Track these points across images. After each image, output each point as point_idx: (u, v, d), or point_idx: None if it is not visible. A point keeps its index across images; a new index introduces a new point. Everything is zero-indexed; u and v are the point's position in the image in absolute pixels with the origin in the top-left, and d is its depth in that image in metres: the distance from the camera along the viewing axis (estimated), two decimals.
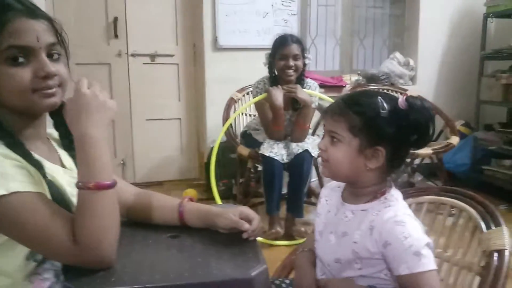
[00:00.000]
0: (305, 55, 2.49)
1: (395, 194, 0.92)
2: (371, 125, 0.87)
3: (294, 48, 2.42)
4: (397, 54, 3.79)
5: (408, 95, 0.89)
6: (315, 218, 1.04)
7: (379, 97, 0.88)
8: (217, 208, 0.99)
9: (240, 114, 3.07)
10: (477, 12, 3.57)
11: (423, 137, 0.88)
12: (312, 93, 2.54)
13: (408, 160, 3.06)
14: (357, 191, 0.94)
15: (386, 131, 0.87)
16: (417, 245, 0.82)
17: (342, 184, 1.00)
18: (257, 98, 2.51)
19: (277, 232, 2.42)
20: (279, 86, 2.44)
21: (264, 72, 2.68)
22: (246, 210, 0.96)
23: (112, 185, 0.81)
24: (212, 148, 3.35)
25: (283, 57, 2.43)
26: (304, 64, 2.50)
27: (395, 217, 0.85)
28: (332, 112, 0.92)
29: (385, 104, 0.87)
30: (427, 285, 0.81)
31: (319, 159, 2.80)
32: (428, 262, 0.82)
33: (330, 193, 1.03)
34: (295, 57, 2.43)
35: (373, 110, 0.87)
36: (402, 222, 0.84)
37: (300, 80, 2.54)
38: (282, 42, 2.44)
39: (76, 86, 0.84)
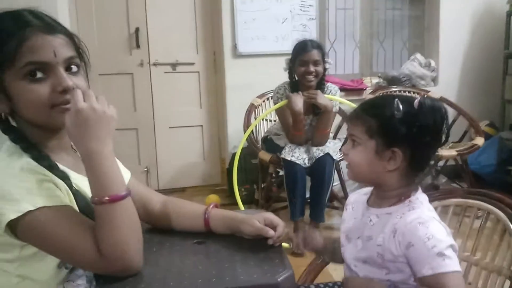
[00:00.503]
0: (325, 60, 2.49)
1: (420, 197, 0.92)
2: (385, 126, 0.88)
3: (315, 54, 2.43)
4: (418, 55, 3.75)
5: (425, 96, 0.90)
6: (339, 224, 1.05)
7: (396, 99, 0.88)
8: (242, 214, 0.99)
9: (261, 119, 3.08)
10: (499, 10, 3.51)
11: (435, 137, 0.89)
12: (332, 98, 2.53)
13: (432, 162, 3.01)
14: (383, 194, 0.95)
15: (399, 132, 0.87)
16: (440, 246, 0.81)
17: (369, 191, 1.00)
18: (278, 105, 2.52)
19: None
20: (300, 92, 2.45)
21: (283, 77, 2.69)
22: (270, 216, 0.97)
23: (126, 196, 0.82)
24: (234, 154, 3.39)
25: (304, 63, 2.44)
26: (325, 69, 2.50)
27: (418, 219, 0.85)
28: (351, 116, 0.96)
29: (400, 106, 0.87)
30: (451, 286, 0.80)
31: (342, 163, 2.81)
32: (452, 263, 0.81)
33: (357, 199, 1.03)
34: (316, 63, 2.43)
35: (387, 112, 0.88)
36: (425, 223, 0.84)
37: (321, 85, 2.54)
38: (302, 48, 2.45)
39: (71, 102, 0.83)
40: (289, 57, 2.56)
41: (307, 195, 2.57)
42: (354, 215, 1.00)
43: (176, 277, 0.79)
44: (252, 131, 2.97)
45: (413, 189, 0.93)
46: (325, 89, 2.57)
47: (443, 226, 0.87)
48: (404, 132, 0.87)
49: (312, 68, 2.42)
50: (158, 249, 0.93)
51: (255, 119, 3.09)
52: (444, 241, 0.82)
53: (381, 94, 3.05)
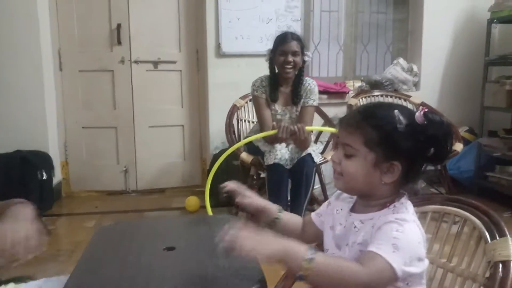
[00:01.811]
0: (305, 52, 2.54)
1: (405, 203, 0.90)
2: (388, 139, 0.85)
3: (294, 45, 2.48)
4: (401, 60, 3.77)
5: (426, 110, 0.88)
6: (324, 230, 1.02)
7: (396, 111, 0.87)
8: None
9: (243, 120, 3.06)
10: (481, 18, 3.56)
11: (441, 152, 0.87)
12: (313, 128, 2.64)
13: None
14: (368, 203, 0.93)
15: (403, 146, 0.85)
16: (402, 243, 0.79)
17: (354, 197, 0.98)
18: (265, 134, 2.45)
19: None
20: (289, 127, 2.38)
21: None
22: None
23: None
24: (215, 155, 3.36)
25: (283, 53, 2.49)
26: (304, 61, 2.54)
27: (397, 216, 0.84)
28: (346, 124, 0.90)
29: (401, 118, 0.85)
30: (376, 272, 0.78)
31: (324, 166, 2.80)
32: (397, 260, 0.78)
33: (341, 204, 1.01)
34: (294, 54, 2.48)
35: (390, 124, 0.85)
36: (402, 221, 0.83)
37: (300, 77, 2.58)
38: (282, 39, 2.51)
39: None
40: (271, 47, 2.61)
41: (289, 197, 2.56)
42: (340, 220, 0.98)
43: (142, 286, 0.76)
44: (234, 132, 2.94)
45: (400, 196, 0.92)
46: (303, 82, 2.60)
47: (422, 233, 0.86)
48: (408, 146, 0.85)
49: (290, 58, 2.47)
50: (126, 254, 0.90)
51: (237, 120, 3.06)
52: (410, 247, 0.80)
53: (376, 101, 3.06)
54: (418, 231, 0.84)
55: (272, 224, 1.09)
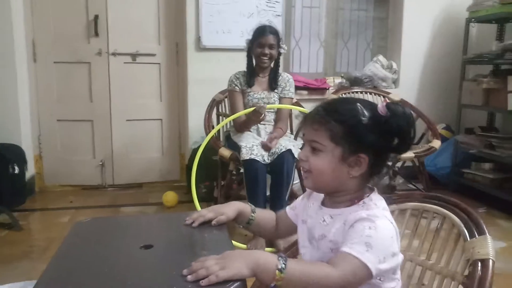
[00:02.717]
0: (281, 45, 2.67)
1: (374, 199, 0.90)
2: (353, 133, 0.86)
3: (271, 39, 2.60)
4: (380, 57, 3.80)
5: (388, 101, 0.89)
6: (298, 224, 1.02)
7: (359, 104, 0.87)
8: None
9: (223, 115, 3.03)
10: (460, 17, 3.61)
11: (405, 142, 0.88)
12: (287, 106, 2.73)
13: (390, 163, 3.06)
14: (337, 199, 0.93)
15: (368, 138, 0.86)
16: (374, 241, 0.79)
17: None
18: (244, 111, 2.57)
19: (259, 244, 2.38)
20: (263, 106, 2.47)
21: None
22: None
23: None
24: (194, 150, 3.32)
25: (260, 45, 2.60)
26: (279, 53, 2.67)
27: (368, 212, 0.84)
28: (311, 121, 0.90)
29: (365, 111, 0.86)
30: (350, 273, 0.77)
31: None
32: (371, 260, 0.78)
33: (313, 198, 1.01)
34: (271, 47, 2.61)
35: (354, 118, 0.86)
36: (374, 217, 0.83)
37: (276, 68, 2.71)
38: (260, 31, 2.62)
39: None
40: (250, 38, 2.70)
41: (268, 193, 2.54)
42: (311, 214, 0.98)
43: (118, 286, 0.73)
44: (213, 126, 2.91)
45: (366, 192, 0.92)
46: (282, 74, 2.74)
47: (394, 227, 0.85)
48: (373, 138, 0.86)
49: (267, 51, 2.60)
50: (103, 253, 0.87)
51: (217, 115, 3.03)
52: (382, 245, 0.80)
53: (339, 96, 3.07)
54: (390, 226, 0.84)
55: (247, 225, 1.09)
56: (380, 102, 0.89)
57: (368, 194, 0.91)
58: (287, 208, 1.09)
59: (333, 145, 0.87)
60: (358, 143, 0.86)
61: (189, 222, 1.00)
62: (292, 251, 1.21)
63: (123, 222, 1.08)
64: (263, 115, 2.47)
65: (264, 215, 1.12)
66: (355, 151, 0.87)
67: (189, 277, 0.74)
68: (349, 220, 0.85)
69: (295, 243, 1.23)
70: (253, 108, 2.49)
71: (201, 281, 0.73)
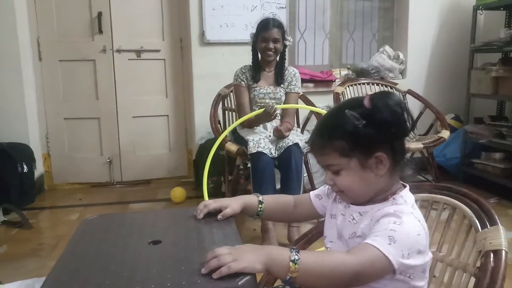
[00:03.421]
0: (285, 38, 2.63)
1: (405, 196, 0.89)
2: (357, 139, 0.85)
3: (275, 33, 2.57)
4: (387, 48, 3.76)
5: (372, 94, 0.87)
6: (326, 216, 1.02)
7: (347, 111, 0.85)
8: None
9: (229, 110, 3.02)
10: (467, 5, 3.55)
11: (403, 128, 0.87)
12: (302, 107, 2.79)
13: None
14: (372, 198, 0.92)
15: (372, 137, 0.85)
16: (399, 236, 0.78)
17: None
18: (255, 113, 2.52)
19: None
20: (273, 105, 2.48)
21: None
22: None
23: None
24: (201, 145, 3.31)
25: (264, 40, 2.58)
26: (285, 46, 2.64)
27: (395, 208, 0.83)
28: (316, 150, 0.91)
29: (355, 115, 0.84)
30: (370, 263, 0.76)
31: (313, 158, 2.77)
32: (393, 253, 0.77)
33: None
34: (275, 41, 2.58)
35: (349, 126, 0.84)
36: (400, 213, 0.82)
37: (282, 61, 2.68)
38: (264, 26, 2.59)
39: None
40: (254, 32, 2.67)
41: (278, 186, 2.53)
42: (341, 211, 0.97)
43: (126, 283, 0.72)
44: (219, 121, 2.90)
45: (399, 187, 0.91)
46: (288, 68, 2.71)
47: (422, 225, 0.84)
48: (375, 134, 0.84)
49: (271, 45, 2.57)
50: (111, 250, 0.86)
51: (223, 109, 3.02)
52: (406, 240, 0.78)
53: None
54: (417, 223, 0.83)
55: (257, 217, 1.09)
56: (365, 98, 0.87)
57: (400, 188, 0.90)
58: (312, 194, 1.08)
59: (347, 159, 0.86)
60: (367, 147, 0.85)
61: (198, 215, 1.02)
62: (304, 242, 1.20)
63: (130, 219, 1.07)
64: (274, 114, 2.45)
65: (276, 202, 1.11)
66: (369, 154, 0.86)
67: (202, 270, 0.74)
68: (376, 216, 0.84)
69: (306, 235, 1.22)
70: (263, 109, 2.46)
71: (213, 274, 0.73)
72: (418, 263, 0.82)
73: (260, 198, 1.09)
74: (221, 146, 2.70)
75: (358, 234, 0.88)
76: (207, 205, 1.03)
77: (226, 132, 2.60)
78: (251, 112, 2.60)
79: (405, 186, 0.92)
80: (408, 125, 0.87)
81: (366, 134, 0.84)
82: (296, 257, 0.76)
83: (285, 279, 0.76)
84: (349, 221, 0.92)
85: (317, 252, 0.81)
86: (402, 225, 0.80)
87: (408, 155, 3.17)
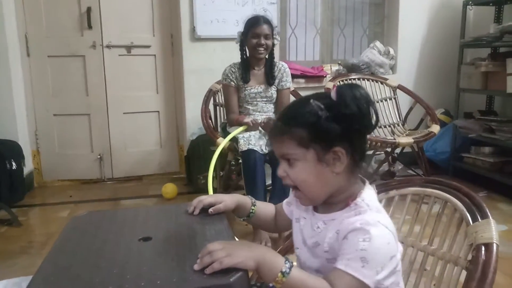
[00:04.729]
0: (274, 35, 2.61)
1: (366, 198, 0.86)
2: (317, 130, 0.82)
3: (265, 28, 2.54)
4: (377, 43, 3.77)
5: (339, 85, 0.85)
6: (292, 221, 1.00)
7: (312, 100, 0.83)
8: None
9: (220, 105, 3.00)
10: (456, 0, 3.57)
11: (367, 124, 0.84)
12: None
13: (389, 149, 3.05)
14: (331, 199, 0.89)
15: (334, 130, 0.81)
16: (370, 255, 0.76)
17: None
18: (237, 131, 2.51)
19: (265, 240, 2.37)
20: (257, 123, 2.51)
21: None
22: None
23: None
24: (192, 141, 3.30)
25: (255, 36, 2.55)
26: (273, 44, 2.62)
27: (361, 220, 0.80)
28: (274, 135, 0.87)
29: (321, 105, 0.82)
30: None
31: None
32: (368, 275, 0.76)
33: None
34: (266, 37, 2.55)
35: (311, 116, 0.82)
36: (367, 226, 0.78)
37: (271, 59, 2.66)
38: (254, 22, 2.56)
39: None
40: (242, 30, 2.64)
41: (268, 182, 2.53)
42: (304, 214, 0.95)
43: (116, 280, 0.71)
44: (210, 117, 2.89)
45: (360, 188, 0.88)
46: (277, 64, 2.69)
47: (390, 230, 0.81)
48: (338, 128, 0.81)
49: (263, 41, 2.54)
50: (101, 247, 0.85)
51: (214, 105, 3.01)
52: (378, 256, 0.77)
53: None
54: (385, 231, 0.80)
55: (248, 218, 1.08)
56: (332, 89, 0.85)
57: (360, 194, 0.86)
58: (284, 203, 1.07)
59: (304, 149, 0.83)
60: (327, 139, 0.82)
61: (191, 211, 1.00)
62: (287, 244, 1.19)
63: (120, 215, 1.06)
64: (255, 126, 2.48)
65: (265, 208, 1.10)
66: (328, 147, 0.83)
67: (195, 266, 0.73)
68: (342, 230, 0.81)
69: (290, 236, 1.22)
70: (245, 126, 2.49)
71: (205, 269, 0.72)
72: (392, 267, 0.81)
73: (253, 200, 1.08)
74: (212, 142, 2.70)
75: (324, 248, 0.85)
76: (202, 200, 1.02)
77: (226, 140, 2.53)
78: (240, 113, 2.63)
79: (364, 182, 0.89)
80: (373, 122, 0.84)
81: (327, 126, 0.81)
82: (287, 271, 0.75)
83: (268, 285, 0.76)
84: (314, 229, 0.90)
85: (307, 274, 0.79)
86: (371, 241, 0.77)
87: (399, 149, 3.21)
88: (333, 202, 0.89)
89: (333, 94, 0.82)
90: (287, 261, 0.76)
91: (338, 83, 3.22)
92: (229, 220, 1.00)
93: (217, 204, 1.02)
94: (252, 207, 1.07)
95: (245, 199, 1.08)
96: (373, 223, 0.79)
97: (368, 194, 0.87)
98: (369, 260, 0.76)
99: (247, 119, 2.52)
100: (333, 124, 0.81)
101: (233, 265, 0.73)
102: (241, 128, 2.51)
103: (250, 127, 2.49)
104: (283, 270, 0.75)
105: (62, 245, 0.88)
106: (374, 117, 0.84)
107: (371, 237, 0.77)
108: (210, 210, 1.00)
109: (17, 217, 2.73)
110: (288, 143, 0.84)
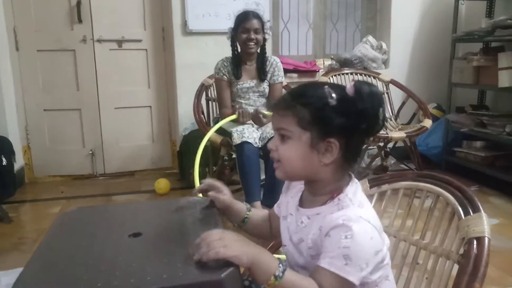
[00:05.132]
0: (265, 30, 2.61)
1: (350, 193, 0.85)
2: (320, 116, 0.82)
3: (255, 23, 2.55)
4: (370, 38, 3.76)
5: (357, 81, 0.84)
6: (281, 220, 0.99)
7: (326, 87, 0.83)
8: None
9: (212, 100, 2.99)
10: None
11: (373, 125, 0.83)
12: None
13: (382, 144, 3.05)
14: (315, 191, 0.89)
15: (336, 121, 0.81)
16: (353, 252, 0.76)
17: (302, 187, 0.94)
18: (227, 119, 2.51)
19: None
20: (247, 111, 2.52)
21: None
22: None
23: None
24: (184, 136, 3.28)
25: (245, 31, 2.55)
26: (264, 39, 2.62)
27: (343, 216, 0.79)
28: (278, 107, 0.86)
29: (332, 93, 0.81)
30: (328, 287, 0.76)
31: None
32: (352, 272, 0.76)
33: (292, 193, 0.98)
34: (256, 31, 2.55)
35: (320, 100, 0.81)
36: (349, 222, 0.78)
37: (263, 54, 2.65)
38: (244, 17, 2.57)
39: None
40: (232, 26, 2.64)
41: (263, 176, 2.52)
42: (290, 211, 0.94)
43: (105, 277, 0.70)
44: (203, 112, 2.87)
45: (346, 183, 0.87)
46: (269, 59, 2.69)
47: (372, 224, 0.80)
48: (342, 121, 0.81)
49: (253, 36, 2.54)
50: (90, 244, 0.84)
51: (206, 100, 2.99)
52: (363, 251, 0.77)
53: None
54: (368, 226, 0.79)
55: (242, 224, 1.06)
56: (348, 83, 0.84)
57: (344, 188, 0.86)
58: (275, 205, 1.06)
59: (301, 130, 0.82)
60: (326, 127, 0.82)
61: (198, 190, 1.06)
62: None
63: (110, 211, 1.05)
64: (248, 118, 2.49)
65: (259, 215, 1.09)
66: (324, 136, 0.82)
67: (195, 256, 0.73)
68: (324, 227, 0.80)
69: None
70: (235, 116, 2.49)
71: (195, 255, 0.73)
72: (377, 261, 0.80)
73: (249, 207, 1.07)
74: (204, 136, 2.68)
75: (308, 244, 0.84)
76: (208, 182, 1.04)
77: (212, 131, 2.52)
78: (232, 107, 2.62)
79: (348, 180, 0.89)
80: (380, 124, 0.84)
81: (332, 115, 0.81)
82: (280, 275, 0.75)
83: (260, 287, 0.75)
84: (298, 224, 0.89)
85: (299, 277, 0.78)
86: (353, 238, 0.76)
87: (391, 144, 3.21)
88: (317, 193, 0.88)
89: (350, 89, 0.82)
90: (280, 264, 0.76)
91: (330, 78, 3.22)
92: (220, 215, 0.99)
93: (219, 191, 1.02)
94: (247, 213, 1.06)
95: (241, 203, 1.07)
96: (355, 219, 0.78)
97: (352, 189, 0.86)
98: (352, 258, 0.76)
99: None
100: (337, 116, 0.81)
101: (227, 257, 0.72)
102: (231, 117, 2.51)
103: (239, 116, 2.48)
104: (276, 273, 0.74)
105: (50, 241, 0.87)
106: (381, 120, 0.84)
107: (353, 234, 0.76)
108: (211, 193, 1.01)
109: (8, 213, 2.70)
110: (288, 118, 0.84)
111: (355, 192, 0.86)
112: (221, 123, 2.52)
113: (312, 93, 0.84)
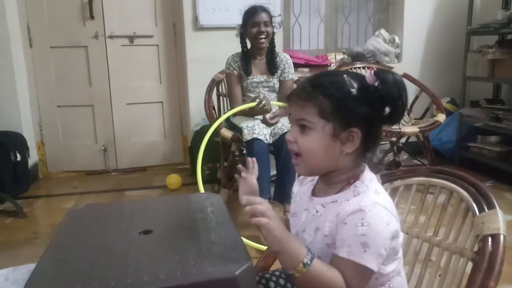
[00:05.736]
0: (273, 23, 2.60)
1: (366, 180, 0.85)
2: (343, 106, 0.81)
3: (264, 16, 2.54)
4: (382, 31, 3.71)
5: (375, 69, 0.84)
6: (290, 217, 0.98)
7: (346, 76, 0.82)
8: None
9: (223, 95, 2.98)
10: None
11: (397, 110, 0.83)
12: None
13: (394, 139, 3.02)
14: (332, 180, 0.88)
15: (359, 110, 0.81)
16: (370, 238, 0.76)
17: (315, 178, 0.93)
18: (246, 106, 2.50)
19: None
20: (267, 99, 2.48)
21: None
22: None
23: None
24: (196, 132, 3.29)
25: (255, 24, 2.54)
26: (273, 32, 2.61)
27: (360, 203, 0.79)
28: (297, 98, 0.84)
29: (353, 82, 0.81)
30: (355, 277, 0.77)
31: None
32: (370, 259, 0.76)
33: (302, 189, 0.97)
34: (266, 24, 2.54)
35: (342, 90, 0.81)
36: (366, 208, 0.78)
37: (272, 48, 2.64)
38: (252, 11, 2.57)
39: None
40: (241, 22, 2.63)
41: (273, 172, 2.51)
42: (304, 206, 0.93)
43: (117, 274, 0.71)
44: (214, 108, 2.87)
45: (362, 170, 0.87)
46: (279, 55, 2.67)
47: (388, 209, 0.80)
48: (364, 110, 0.80)
49: (263, 29, 2.53)
50: (100, 241, 0.84)
51: (217, 95, 2.99)
52: (379, 236, 0.77)
53: (324, 71, 3.01)
54: (384, 212, 0.79)
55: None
56: (367, 72, 0.83)
57: (360, 175, 0.85)
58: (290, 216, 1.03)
59: (323, 121, 0.81)
60: (349, 117, 0.81)
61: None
62: None
63: (120, 208, 1.05)
64: (264, 109, 2.45)
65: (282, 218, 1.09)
66: (346, 126, 0.81)
67: (247, 208, 0.75)
68: (342, 213, 0.80)
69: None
70: (255, 103, 2.43)
71: (253, 218, 0.75)
72: (393, 246, 0.81)
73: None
74: (216, 132, 2.68)
75: (325, 232, 0.83)
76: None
77: (219, 121, 2.52)
78: (243, 101, 2.59)
79: (363, 168, 0.88)
80: (402, 110, 0.83)
81: (354, 105, 0.80)
82: (308, 262, 0.75)
83: (287, 272, 0.76)
84: (313, 214, 0.88)
85: (326, 266, 0.79)
86: (370, 224, 0.76)
87: (404, 139, 3.17)
88: (333, 182, 0.87)
89: (370, 78, 0.81)
90: (309, 252, 0.77)
91: (324, 71, 3.19)
92: (231, 211, 0.99)
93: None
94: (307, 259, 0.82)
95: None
96: (372, 204, 0.79)
97: (368, 175, 0.86)
98: (370, 245, 0.76)
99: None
100: (359, 105, 0.81)
101: (269, 235, 0.75)
102: (249, 105, 2.47)
103: (259, 103, 2.42)
104: (305, 261, 0.75)
105: (60, 238, 0.87)
106: (404, 107, 0.83)
107: (369, 221, 0.77)
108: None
109: (22, 208, 2.73)
110: (310, 109, 0.82)
111: (371, 179, 0.86)
112: (239, 108, 2.51)
113: (333, 82, 0.82)
